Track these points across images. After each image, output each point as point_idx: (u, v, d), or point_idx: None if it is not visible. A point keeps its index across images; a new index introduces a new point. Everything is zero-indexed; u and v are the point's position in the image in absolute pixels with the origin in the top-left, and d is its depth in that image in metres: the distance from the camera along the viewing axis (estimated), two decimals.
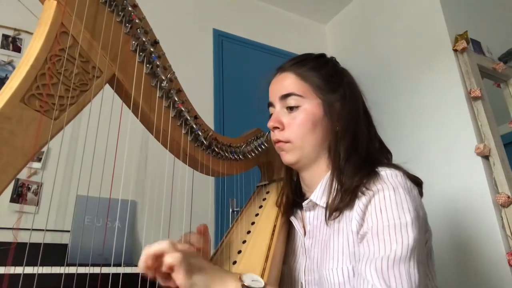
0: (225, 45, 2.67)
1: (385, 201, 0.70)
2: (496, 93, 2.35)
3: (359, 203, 0.73)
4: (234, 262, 0.81)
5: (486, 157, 1.89)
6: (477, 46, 2.23)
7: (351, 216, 0.74)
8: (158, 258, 0.57)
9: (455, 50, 2.11)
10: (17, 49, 2.01)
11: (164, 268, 0.57)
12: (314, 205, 0.84)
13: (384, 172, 0.74)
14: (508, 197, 1.77)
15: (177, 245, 0.59)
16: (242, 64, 2.65)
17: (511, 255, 1.69)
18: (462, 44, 2.08)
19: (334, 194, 0.78)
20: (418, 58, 2.32)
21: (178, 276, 0.57)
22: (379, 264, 0.63)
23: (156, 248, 0.57)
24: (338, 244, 0.76)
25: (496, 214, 1.78)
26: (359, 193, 0.73)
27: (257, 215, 0.94)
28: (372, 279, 0.62)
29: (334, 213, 0.77)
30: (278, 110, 0.85)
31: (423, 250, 0.71)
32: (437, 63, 2.19)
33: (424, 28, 2.31)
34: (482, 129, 1.94)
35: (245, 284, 0.61)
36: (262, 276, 0.74)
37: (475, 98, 1.99)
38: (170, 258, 0.56)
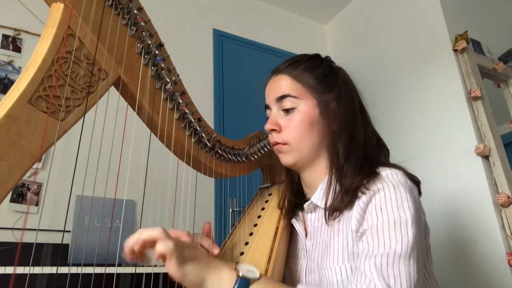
0: (225, 45, 2.67)
1: (386, 199, 0.70)
2: (496, 93, 2.36)
3: (359, 202, 0.72)
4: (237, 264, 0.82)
5: (486, 157, 1.90)
6: (477, 46, 2.24)
7: (351, 216, 0.74)
8: (147, 244, 0.56)
9: (455, 50, 2.12)
10: (17, 49, 2.01)
11: (155, 257, 0.56)
12: (315, 207, 0.84)
13: (384, 171, 0.74)
14: (508, 197, 1.77)
15: (170, 233, 0.58)
16: (242, 64, 2.66)
17: (511, 255, 1.69)
18: (462, 44, 2.08)
19: (334, 194, 0.78)
20: (418, 58, 2.32)
21: (170, 266, 0.56)
22: (378, 261, 0.63)
23: (149, 234, 0.56)
24: (338, 244, 0.76)
25: (496, 214, 1.79)
26: (359, 193, 0.73)
27: (259, 217, 0.94)
28: (371, 274, 0.62)
29: (334, 213, 0.77)
30: (274, 112, 0.85)
31: (423, 248, 0.71)
32: (437, 63, 2.19)
33: (424, 28, 2.32)
34: (482, 129, 1.95)
35: (240, 274, 0.60)
36: None
37: (475, 98, 1.99)
38: (162, 247, 0.55)
